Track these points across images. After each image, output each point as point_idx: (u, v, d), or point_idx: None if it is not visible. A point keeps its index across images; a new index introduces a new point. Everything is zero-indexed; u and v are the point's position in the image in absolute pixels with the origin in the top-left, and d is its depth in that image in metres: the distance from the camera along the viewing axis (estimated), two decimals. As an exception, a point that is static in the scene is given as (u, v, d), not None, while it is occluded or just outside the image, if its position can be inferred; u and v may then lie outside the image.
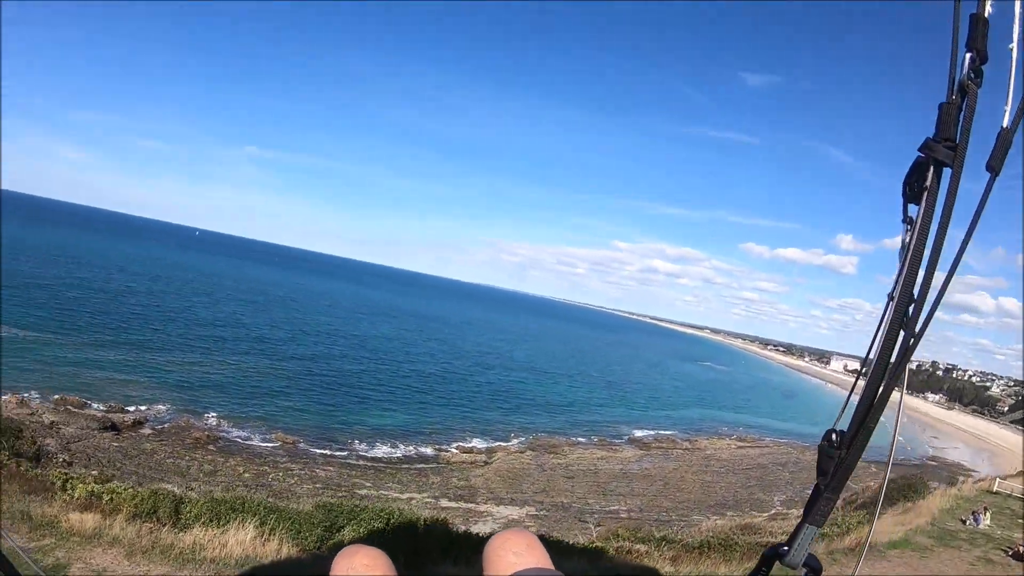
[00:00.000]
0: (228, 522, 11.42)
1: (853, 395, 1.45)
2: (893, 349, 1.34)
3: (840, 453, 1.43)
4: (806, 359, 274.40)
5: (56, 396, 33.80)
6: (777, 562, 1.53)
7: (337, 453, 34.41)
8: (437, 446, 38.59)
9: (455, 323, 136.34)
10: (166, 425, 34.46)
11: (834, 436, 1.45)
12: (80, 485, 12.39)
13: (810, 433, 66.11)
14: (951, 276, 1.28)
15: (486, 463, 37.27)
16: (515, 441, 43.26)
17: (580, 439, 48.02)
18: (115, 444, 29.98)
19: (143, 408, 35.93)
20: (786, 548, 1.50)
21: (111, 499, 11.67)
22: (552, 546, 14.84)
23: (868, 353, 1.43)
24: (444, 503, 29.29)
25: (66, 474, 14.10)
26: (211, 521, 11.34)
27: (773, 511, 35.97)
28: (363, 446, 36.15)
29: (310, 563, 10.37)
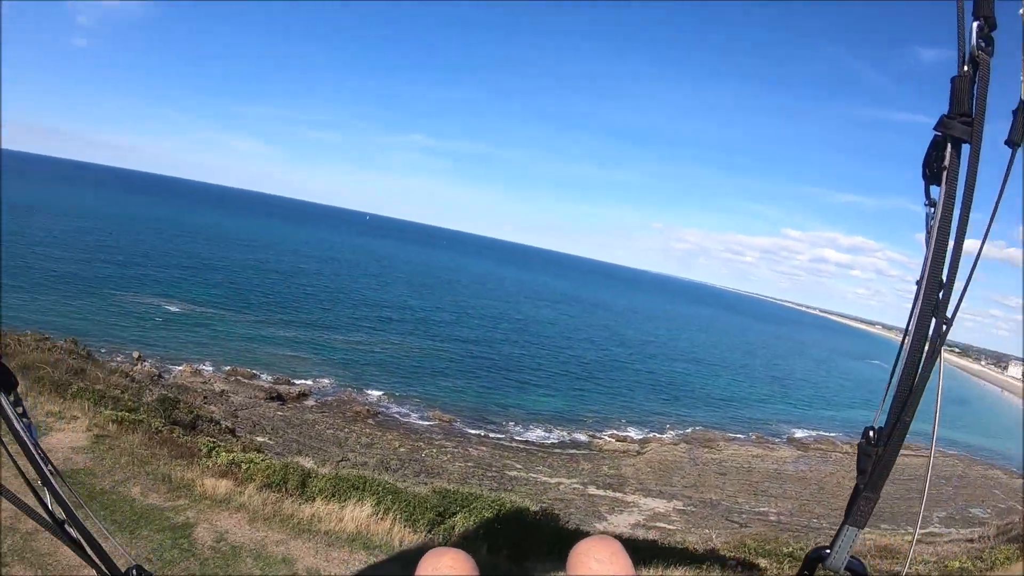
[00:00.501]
0: (348, 498, 11.37)
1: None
2: (925, 337, 1.30)
3: (878, 451, 1.41)
4: (982, 363, 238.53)
5: (228, 368, 36.95)
6: (820, 565, 1.48)
7: (491, 434, 34.60)
8: (591, 432, 37.98)
9: (619, 310, 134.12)
10: (329, 398, 36.40)
11: (871, 433, 1.43)
12: (224, 453, 12.78)
13: (981, 446, 57.99)
14: (979, 257, 1.31)
15: (638, 453, 36.10)
16: (670, 433, 41.77)
17: (737, 435, 45.55)
18: (279, 414, 31.91)
19: (308, 382, 38.28)
20: (828, 551, 1.46)
21: (248, 468, 11.90)
22: (663, 552, 13.38)
23: (902, 343, 1.35)
24: (592, 490, 28.58)
25: (213, 442, 14.71)
26: (333, 496, 11.32)
27: (929, 528, 30.87)
28: (518, 428, 36.13)
29: (416, 550, 10.18)
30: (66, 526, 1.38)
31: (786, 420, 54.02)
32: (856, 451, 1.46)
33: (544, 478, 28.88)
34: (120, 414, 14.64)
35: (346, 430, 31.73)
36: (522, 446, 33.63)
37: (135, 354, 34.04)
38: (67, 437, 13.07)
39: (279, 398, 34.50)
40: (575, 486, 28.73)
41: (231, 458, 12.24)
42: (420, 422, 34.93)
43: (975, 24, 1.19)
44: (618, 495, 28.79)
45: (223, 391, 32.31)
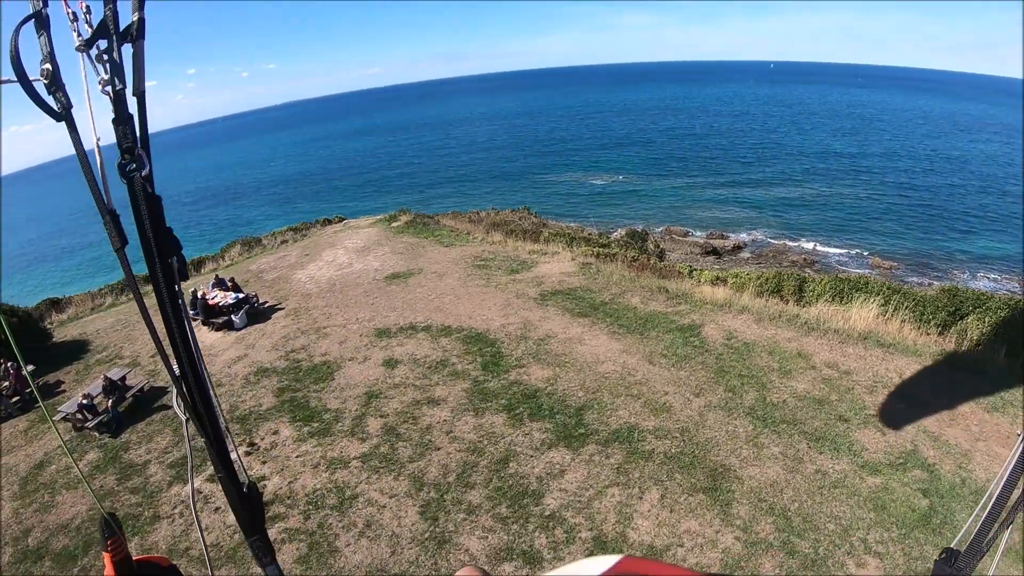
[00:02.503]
0: (852, 300, 11.67)
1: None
2: None
3: (952, 572, 1.43)
4: None
5: (660, 228, 40.04)
6: None
7: (936, 282, 31.42)
8: None
9: None
10: (763, 249, 36.80)
11: (950, 554, 1.47)
12: (705, 272, 14.56)
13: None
14: None
15: None
16: None
17: None
18: (716, 266, 32.80)
19: (742, 235, 39.18)
20: None
21: (736, 280, 13.36)
22: None
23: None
24: None
25: (690, 267, 16.72)
26: (834, 299, 11.82)
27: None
28: (964, 276, 31.93)
29: (932, 351, 10.07)
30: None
31: None
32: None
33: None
34: (596, 249, 18.01)
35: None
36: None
37: (572, 224, 37.97)
38: (556, 266, 16.66)
39: (714, 252, 36.23)
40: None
41: (714, 276, 13.91)
42: (858, 269, 33.16)
43: None
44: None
45: (661, 250, 35.41)
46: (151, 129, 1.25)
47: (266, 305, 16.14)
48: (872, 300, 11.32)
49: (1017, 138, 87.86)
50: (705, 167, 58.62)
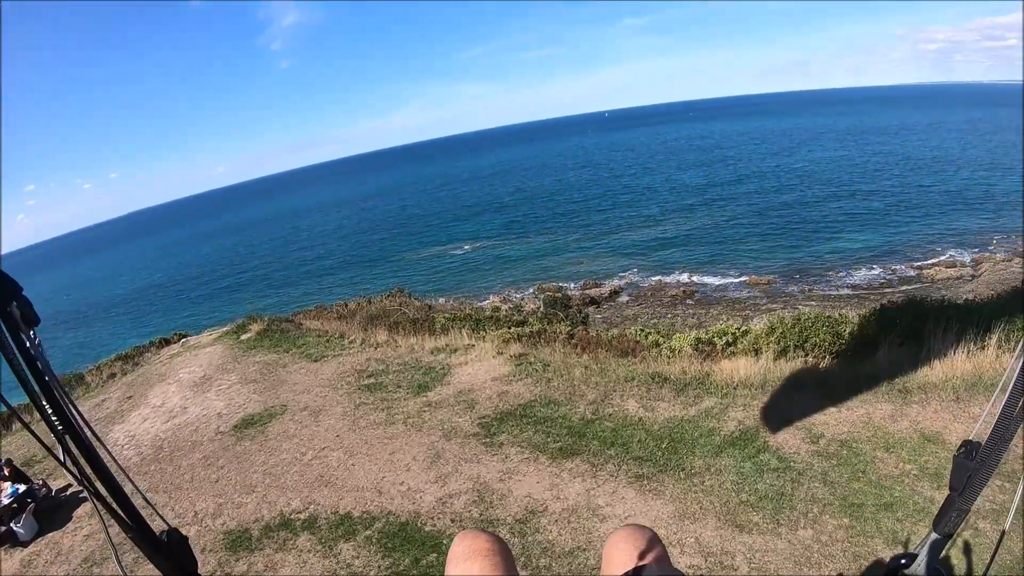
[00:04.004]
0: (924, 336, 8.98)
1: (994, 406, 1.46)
2: None
3: (975, 465, 1.43)
4: None
5: (531, 288, 38.52)
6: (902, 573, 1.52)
7: (815, 286, 32.57)
8: (914, 263, 34.46)
9: (892, 130, 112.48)
10: (640, 290, 36.18)
11: (970, 447, 1.47)
12: (679, 336, 11.31)
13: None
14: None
15: (973, 276, 31.55)
16: (1000, 250, 35.20)
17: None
18: (599, 316, 31.66)
19: (615, 280, 38.41)
20: (905, 561, 1.49)
21: (726, 340, 10.22)
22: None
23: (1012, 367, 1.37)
24: None
25: (644, 330, 13.65)
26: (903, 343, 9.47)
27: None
28: (840, 274, 33.84)
29: None
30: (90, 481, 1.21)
31: None
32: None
33: (887, 322, 25.78)
34: (516, 330, 13.89)
35: (669, 316, 31.18)
36: (851, 292, 31.37)
37: (440, 300, 36.43)
38: (481, 368, 11.74)
39: (593, 302, 34.93)
40: (918, 324, 25.07)
41: (694, 338, 10.60)
42: (739, 291, 33.95)
43: None
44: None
45: (583, 313, 32.71)
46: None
47: (67, 493, 9.72)
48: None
49: (835, 141, 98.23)
50: (563, 221, 58.98)
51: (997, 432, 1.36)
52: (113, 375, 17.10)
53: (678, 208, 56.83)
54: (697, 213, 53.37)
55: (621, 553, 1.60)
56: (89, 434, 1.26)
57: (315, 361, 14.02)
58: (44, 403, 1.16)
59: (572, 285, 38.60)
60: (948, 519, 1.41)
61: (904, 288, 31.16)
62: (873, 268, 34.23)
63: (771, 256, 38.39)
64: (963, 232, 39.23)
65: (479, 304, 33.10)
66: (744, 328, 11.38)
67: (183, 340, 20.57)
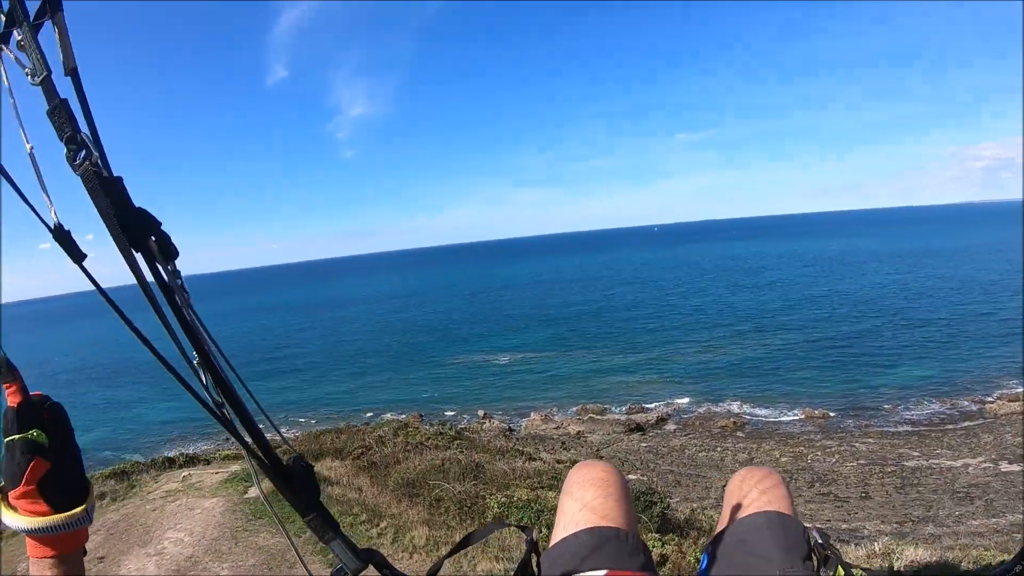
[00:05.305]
0: None
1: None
2: None
3: None
4: None
5: (575, 408, 37.06)
6: None
7: (871, 421, 31.03)
8: (976, 398, 32.43)
9: (948, 252, 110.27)
10: (689, 417, 34.60)
11: None
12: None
13: None
14: None
15: None
16: None
17: None
18: (643, 444, 30.43)
19: (662, 405, 36.74)
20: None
21: None
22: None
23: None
24: (1004, 467, 23.74)
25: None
26: None
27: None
28: (898, 408, 31.94)
29: None
30: (224, 409, 1.20)
31: None
32: None
33: (947, 462, 24.92)
34: None
35: (718, 449, 29.47)
36: (909, 428, 29.81)
37: (480, 412, 36.15)
38: None
39: (638, 428, 33.36)
40: (985, 465, 24.26)
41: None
42: (792, 424, 32.08)
43: None
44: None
45: (579, 432, 32.35)
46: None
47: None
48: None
49: (891, 263, 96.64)
50: (609, 340, 58.16)
51: None
52: (103, 495, 13.55)
53: (728, 333, 55.21)
54: (747, 339, 51.69)
55: (743, 493, 1.63)
56: (225, 365, 1.26)
57: (331, 566, 9.28)
58: (180, 335, 1.16)
59: (617, 409, 37.23)
60: None
61: (966, 424, 29.62)
62: (932, 403, 32.40)
63: (825, 388, 36.72)
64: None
65: (520, 424, 32.36)
66: None
67: (185, 475, 16.13)
